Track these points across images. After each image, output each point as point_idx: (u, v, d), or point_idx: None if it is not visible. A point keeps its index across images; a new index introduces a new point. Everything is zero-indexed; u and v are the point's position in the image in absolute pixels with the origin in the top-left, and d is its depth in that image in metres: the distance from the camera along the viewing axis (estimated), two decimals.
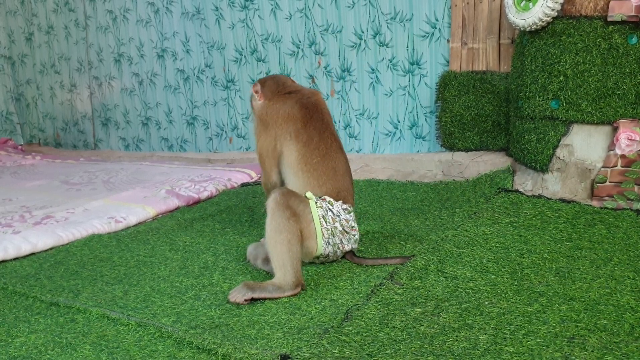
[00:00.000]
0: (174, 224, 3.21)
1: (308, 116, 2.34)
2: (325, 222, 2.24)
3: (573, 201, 2.86)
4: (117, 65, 5.79)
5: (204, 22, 4.99)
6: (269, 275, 2.30)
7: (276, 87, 2.47)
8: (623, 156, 2.81)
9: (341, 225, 2.28)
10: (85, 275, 2.50)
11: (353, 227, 2.33)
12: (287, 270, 2.09)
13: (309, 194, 2.25)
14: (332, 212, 2.26)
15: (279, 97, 2.41)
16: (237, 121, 5.03)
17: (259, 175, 4.15)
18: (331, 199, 2.29)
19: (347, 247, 2.33)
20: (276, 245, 2.11)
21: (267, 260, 2.35)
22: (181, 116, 5.42)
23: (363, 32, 4.15)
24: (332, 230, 2.26)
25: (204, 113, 5.25)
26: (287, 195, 2.18)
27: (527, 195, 2.98)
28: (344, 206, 2.31)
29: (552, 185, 3.05)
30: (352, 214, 2.34)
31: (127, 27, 5.58)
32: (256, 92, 2.47)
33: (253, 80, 4.82)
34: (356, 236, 2.35)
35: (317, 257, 2.32)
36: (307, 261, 2.34)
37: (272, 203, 2.15)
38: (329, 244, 2.27)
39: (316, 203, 2.23)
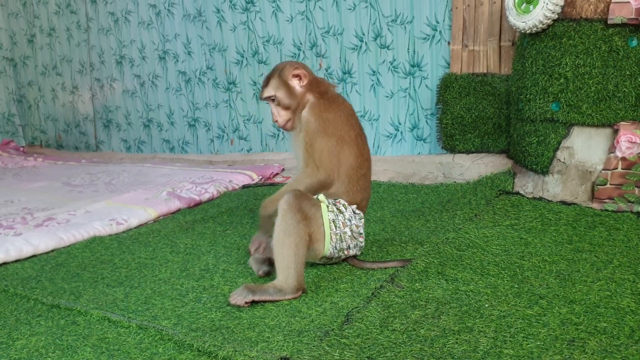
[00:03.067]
0: (175, 225, 3.21)
1: (358, 125, 2.33)
2: (335, 226, 2.23)
3: (573, 203, 2.86)
4: (118, 67, 5.80)
5: (205, 24, 4.99)
6: (268, 278, 2.30)
7: (314, 76, 2.37)
8: (623, 158, 2.81)
9: (351, 231, 2.27)
10: (86, 278, 2.50)
11: (361, 233, 2.32)
12: (291, 273, 2.08)
13: (321, 197, 2.23)
14: (344, 216, 2.25)
15: (330, 95, 2.33)
16: (239, 123, 5.04)
17: (260, 178, 4.15)
18: (345, 203, 2.27)
19: (352, 253, 2.33)
20: (283, 247, 2.09)
21: (264, 261, 2.35)
22: (182, 118, 5.43)
23: (364, 35, 4.16)
24: (341, 236, 2.25)
25: (206, 115, 5.25)
26: (300, 197, 2.15)
27: (527, 198, 2.98)
28: (357, 211, 2.31)
29: (553, 187, 3.05)
30: (362, 220, 2.33)
31: (129, 29, 5.59)
32: (298, 76, 2.31)
33: (254, 82, 4.83)
34: (362, 244, 2.35)
35: (320, 259, 2.32)
36: (309, 261, 2.34)
37: (284, 205, 2.12)
38: (336, 248, 2.26)
39: (327, 207, 2.22)
